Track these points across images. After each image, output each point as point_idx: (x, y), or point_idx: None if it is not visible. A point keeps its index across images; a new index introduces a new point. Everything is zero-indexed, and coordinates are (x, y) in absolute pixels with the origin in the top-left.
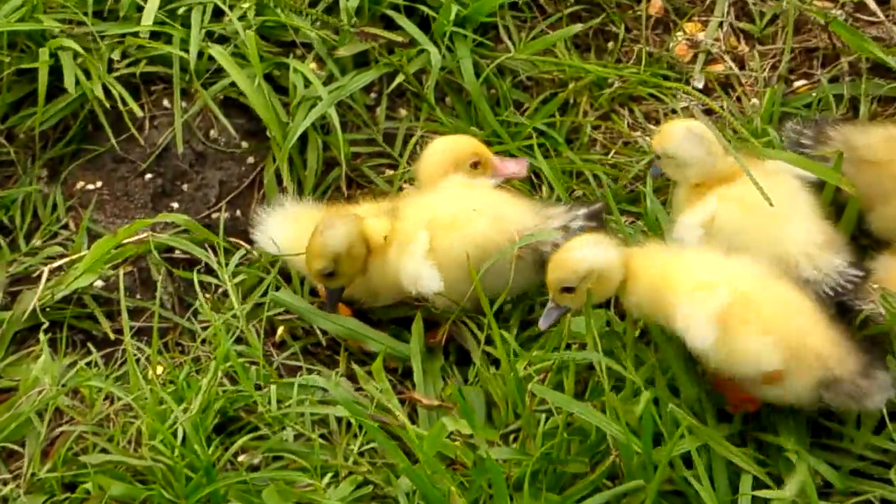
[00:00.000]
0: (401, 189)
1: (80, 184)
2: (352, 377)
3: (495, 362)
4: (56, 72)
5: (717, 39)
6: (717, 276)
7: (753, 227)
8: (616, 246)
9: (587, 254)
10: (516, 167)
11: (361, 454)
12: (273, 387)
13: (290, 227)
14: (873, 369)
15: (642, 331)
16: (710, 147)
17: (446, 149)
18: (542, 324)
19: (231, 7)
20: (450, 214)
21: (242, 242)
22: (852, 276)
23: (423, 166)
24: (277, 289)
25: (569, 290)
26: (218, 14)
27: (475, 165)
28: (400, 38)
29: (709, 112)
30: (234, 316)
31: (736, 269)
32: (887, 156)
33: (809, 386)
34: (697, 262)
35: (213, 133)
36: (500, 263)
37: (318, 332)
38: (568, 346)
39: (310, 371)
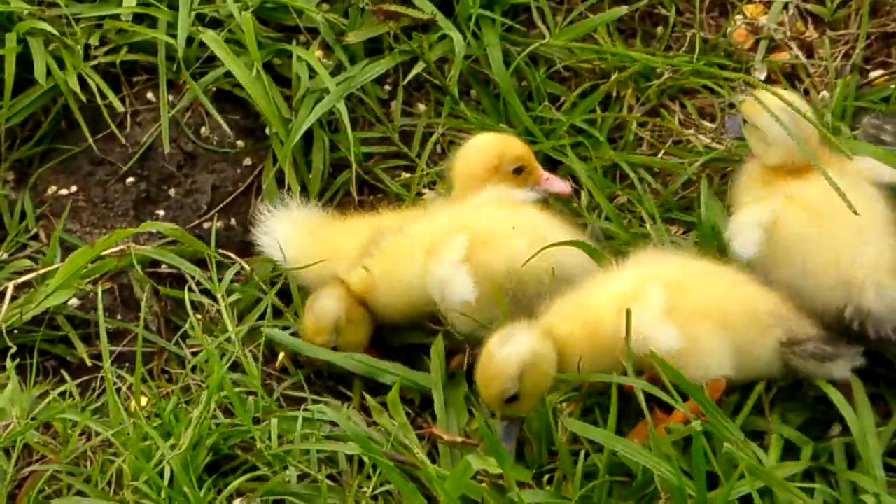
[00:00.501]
0: (419, 195)
1: (52, 188)
2: (364, 409)
3: None
4: (25, 60)
5: (781, 24)
6: (640, 279)
7: (819, 239)
8: (533, 326)
9: (511, 351)
10: (563, 185)
11: (375, 497)
12: (273, 420)
13: (296, 233)
14: (838, 341)
15: None
16: (804, 130)
17: (489, 147)
18: (506, 444)
19: None
20: (486, 230)
21: (237, 258)
22: None
23: (460, 166)
24: (277, 313)
25: (513, 398)
26: None
27: (518, 171)
28: (424, 16)
29: None
30: (229, 340)
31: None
32: None
33: (772, 346)
34: (614, 280)
35: (204, 130)
36: (535, 290)
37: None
38: None
39: (315, 402)
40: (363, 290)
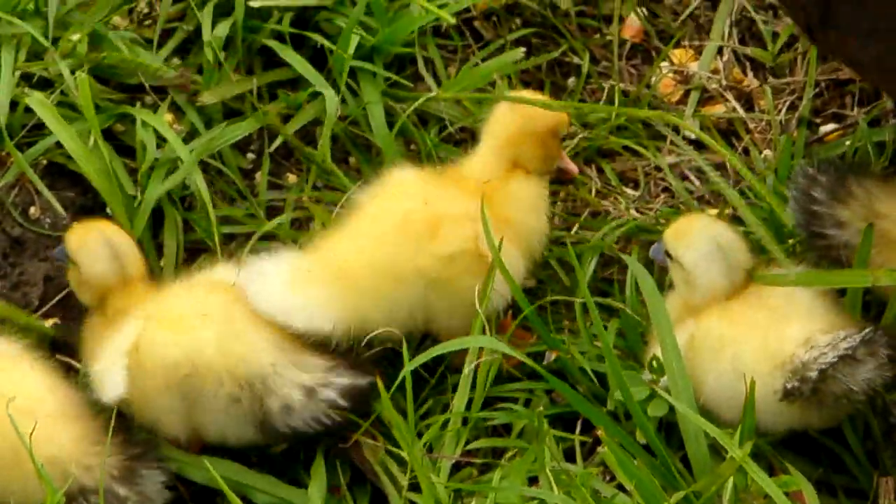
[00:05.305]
0: None
1: None
2: None
3: None
4: None
5: (715, 71)
6: None
7: (742, 337)
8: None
9: None
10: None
11: None
12: None
13: None
14: (140, 468)
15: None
16: (733, 266)
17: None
18: None
19: (55, 41)
20: (171, 312)
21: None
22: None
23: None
24: None
25: None
26: (37, 51)
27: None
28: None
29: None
30: None
31: None
32: None
33: None
34: None
35: (33, 211)
36: (213, 390)
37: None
38: None
39: None
40: None
